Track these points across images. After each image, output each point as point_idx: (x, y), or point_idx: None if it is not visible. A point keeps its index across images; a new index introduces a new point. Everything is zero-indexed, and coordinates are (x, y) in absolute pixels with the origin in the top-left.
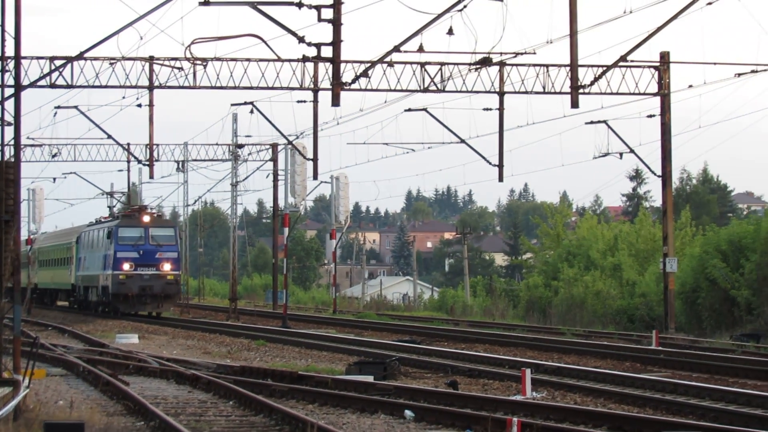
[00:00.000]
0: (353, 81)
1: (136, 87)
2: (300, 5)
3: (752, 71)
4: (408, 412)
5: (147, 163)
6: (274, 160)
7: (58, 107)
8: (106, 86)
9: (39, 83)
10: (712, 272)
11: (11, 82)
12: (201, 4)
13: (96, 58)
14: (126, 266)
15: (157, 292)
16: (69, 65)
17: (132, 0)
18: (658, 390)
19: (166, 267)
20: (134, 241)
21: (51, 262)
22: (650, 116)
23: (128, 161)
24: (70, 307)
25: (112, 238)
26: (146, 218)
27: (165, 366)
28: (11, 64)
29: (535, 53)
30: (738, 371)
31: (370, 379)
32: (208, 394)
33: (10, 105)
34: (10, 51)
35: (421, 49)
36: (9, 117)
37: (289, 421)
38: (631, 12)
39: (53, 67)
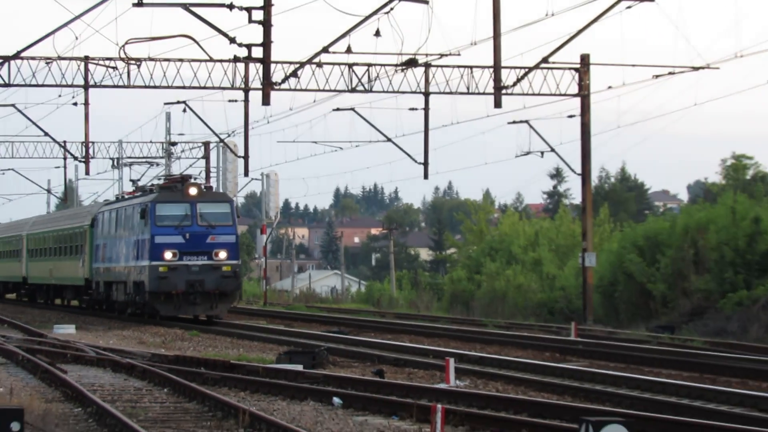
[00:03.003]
0: (283, 81)
1: (72, 86)
2: (231, 7)
3: (669, 73)
4: (336, 400)
5: (83, 160)
6: (206, 157)
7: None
8: (42, 85)
9: None
10: (629, 267)
11: None
12: (135, 5)
13: (33, 58)
14: (168, 255)
15: (209, 288)
16: (5, 64)
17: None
18: (576, 379)
19: (222, 255)
20: (178, 222)
21: (50, 252)
22: (571, 116)
23: (65, 158)
24: (79, 308)
25: (147, 217)
26: (193, 191)
27: (102, 355)
28: None
29: (459, 55)
30: (653, 361)
31: (299, 367)
32: (144, 382)
33: None
34: None
35: (349, 51)
36: None
37: (222, 408)
38: (552, 15)
39: None
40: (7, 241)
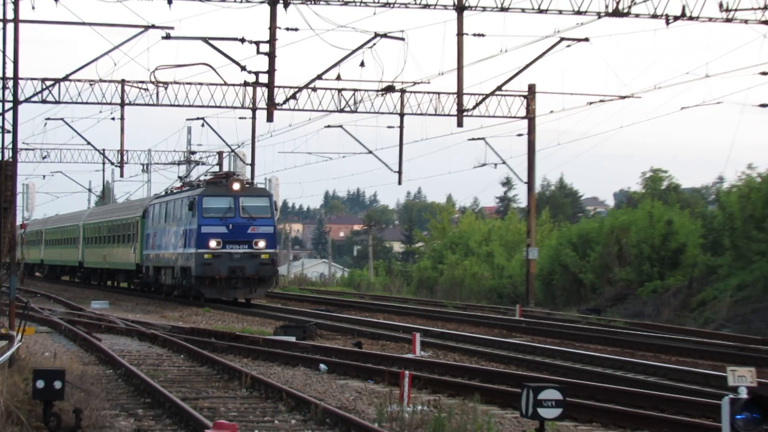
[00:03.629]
0: (284, 102)
1: (110, 104)
2: (243, 41)
3: (600, 101)
4: (322, 366)
5: (118, 165)
6: (219, 164)
7: (48, 119)
8: (86, 103)
9: (33, 99)
10: (564, 259)
11: (10, 98)
12: (163, 38)
13: (79, 80)
14: (213, 243)
15: (249, 274)
16: (57, 85)
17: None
18: (519, 351)
19: (261, 244)
20: (222, 213)
21: (105, 240)
22: (519, 135)
23: (103, 163)
24: (131, 290)
25: (194, 209)
26: (236, 186)
27: (130, 326)
28: (10, 84)
29: (429, 83)
30: (583, 338)
31: (292, 339)
32: (164, 349)
33: (9, 117)
34: (9, 73)
35: (338, 78)
36: (8, 126)
37: (228, 371)
38: (506, 51)
39: (44, 87)
40: (65, 230)
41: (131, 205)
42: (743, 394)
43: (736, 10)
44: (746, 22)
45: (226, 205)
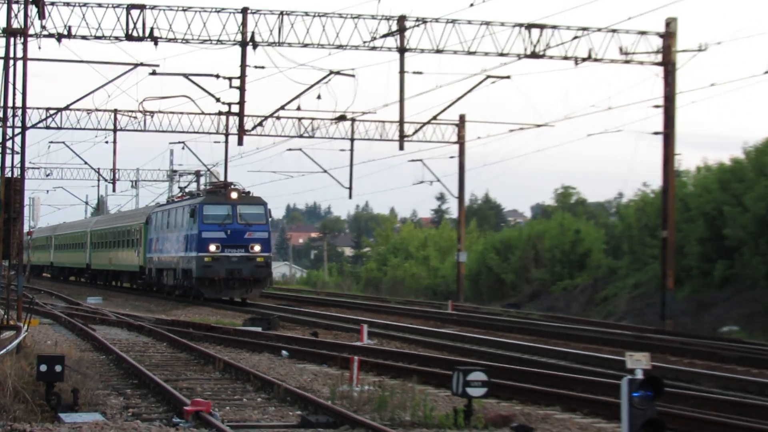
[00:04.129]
0: (252, 129)
1: (105, 129)
2: (218, 76)
3: (520, 128)
4: (284, 352)
5: (111, 181)
6: (197, 182)
7: (51, 142)
8: (84, 128)
9: (38, 125)
10: (489, 262)
11: (19, 125)
12: (150, 74)
13: (78, 109)
14: (212, 247)
15: (246, 275)
16: (59, 113)
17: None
18: (451, 340)
19: (256, 248)
20: (221, 220)
21: (110, 244)
22: (451, 157)
23: (98, 180)
24: (132, 289)
25: (195, 216)
26: (234, 195)
27: (120, 318)
28: (19, 112)
29: (375, 113)
30: (505, 328)
31: (259, 329)
32: (149, 338)
33: (18, 141)
34: (18, 103)
35: (298, 108)
36: (17, 148)
37: (204, 357)
38: (440, 86)
39: (48, 115)
40: (74, 235)
41: (135, 213)
42: (639, 375)
43: (633, 53)
44: (642, 63)
45: (224, 212)
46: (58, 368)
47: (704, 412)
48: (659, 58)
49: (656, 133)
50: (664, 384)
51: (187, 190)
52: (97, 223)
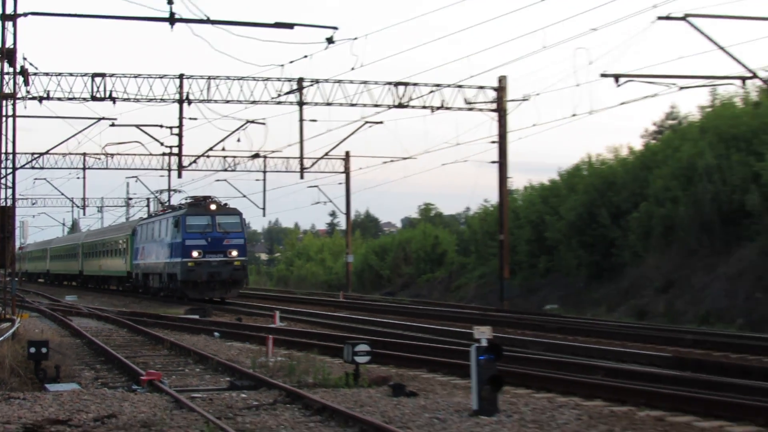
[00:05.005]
0: (189, 165)
1: (76, 168)
2: (162, 126)
3: (391, 160)
4: (216, 333)
5: (82, 207)
6: (148, 207)
7: (36, 178)
8: (61, 168)
9: (26, 166)
10: (370, 261)
11: (11, 166)
12: (110, 125)
13: (56, 153)
14: (195, 253)
15: (225, 278)
16: (41, 156)
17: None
18: (343, 321)
19: (234, 253)
20: (202, 229)
21: (100, 254)
22: (340, 183)
23: (72, 207)
24: (120, 291)
25: (179, 226)
26: (213, 206)
27: (91, 311)
28: (11, 157)
29: (282, 151)
30: (383, 311)
31: (196, 317)
32: (114, 326)
33: (10, 179)
34: (10, 149)
35: (223, 149)
36: (9, 184)
37: (155, 339)
38: (330, 130)
39: (33, 158)
40: (67, 247)
41: (122, 227)
42: (484, 343)
43: (475, 103)
44: (481, 110)
45: (205, 222)
46: (44, 350)
47: (533, 369)
48: (494, 106)
49: (493, 162)
50: (503, 349)
51: (167, 204)
52: (87, 237)
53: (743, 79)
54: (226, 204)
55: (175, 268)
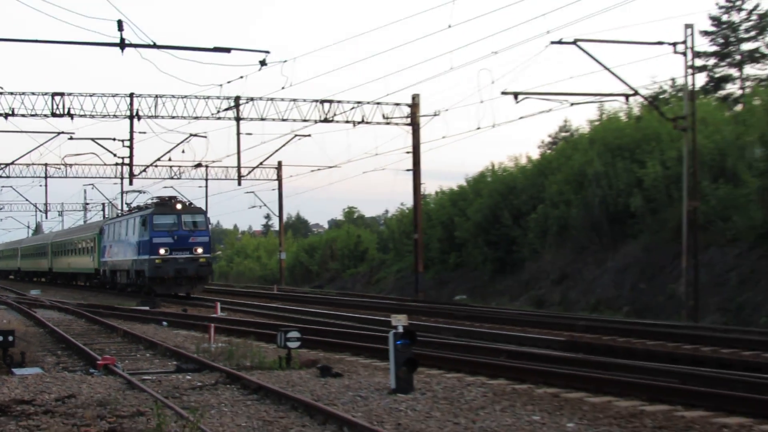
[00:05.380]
0: (139, 174)
1: (39, 177)
2: (114, 139)
3: (318, 169)
4: (164, 323)
5: (44, 212)
6: (103, 211)
7: (3, 186)
8: (25, 176)
9: None
10: (301, 258)
11: None
12: (69, 139)
13: (21, 164)
14: (162, 251)
15: (191, 274)
16: (8, 167)
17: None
18: (277, 311)
19: (199, 250)
20: (168, 228)
21: (69, 252)
22: (273, 189)
23: (35, 211)
24: (82, 286)
25: (147, 225)
26: (179, 206)
27: (53, 303)
28: None
29: (222, 161)
30: (312, 302)
31: (147, 308)
32: (73, 316)
33: None
34: None
35: (170, 159)
36: None
37: (110, 327)
38: (264, 142)
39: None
40: (36, 247)
41: (89, 227)
42: (401, 329)
43: (392, 118)
44: (398, 124)
45: (171, 221)
46: (10, 338)
47: (444, 353)
48: (409, 120)
49: (408, 170)
50: (417, 335)
51: (134, 205)
52: (56, 237)
53: (626, 96)
54: (191, 203)
55: (143, 265)
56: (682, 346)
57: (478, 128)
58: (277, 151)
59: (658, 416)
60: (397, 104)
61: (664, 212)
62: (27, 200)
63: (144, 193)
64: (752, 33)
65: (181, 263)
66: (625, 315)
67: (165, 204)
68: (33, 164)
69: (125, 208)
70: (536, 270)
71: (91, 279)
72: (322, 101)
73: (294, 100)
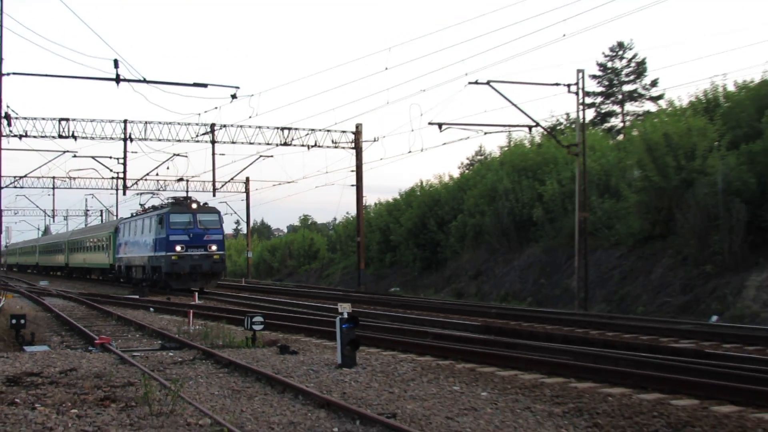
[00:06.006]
0: (131, 186)
1: (47, 188)
2: (111, 157)
3: (279, 184)
4: (151, 309)
5: (52, 217)
6: (101, 217)
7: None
8: (35, 188)
9: (10, 186)
10: (264, 257)
11: None
12: (72, 156)
13: (33, 177)
14: (178, 248)
15: (205, 270)
16: (22, 179)
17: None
18: (245, 299)
19: (213, 248)
20: (184, 226)
21: (84, 249)
22: (242, 200)
23: (44, 216)
24: (99, 280)
25: (163, 223)
26: (194, 205)
27: (59, 292)
28: None
29: (200, 176)
30: (274, 292)
31: (137, 296)
32: (76, 303)
33: None
34: None
35: (157, 174)
36: None
37: (106, 313)
38: (235, 161)
39: (15, 180)
40: (54, 244)
41: (104, 226)
42: (346, 315)
43: (339, 143)
44: (344, 148)
45: (187, 219)
46: (22, 321)
47: (381, 334)
48: (353, 145)
49: (352, 185)
50: (359, 319)
51: (147, 205)
52: (71, 235)
53: (530, 127)
54: (205, 203)
55: (160, 261)
56: (574, 330)
57: (410, 152)
58: (245, 168)
59: (555, 387)
60: (344, 132)
61: (560, 221)
62: (37, 207)
63: (156, 195)
64: (631, 77)
65: (196, 259)
66: (528, 304)
67: (181, 203)
68: (42, 177)
69: (138, 209)
70: (456, 267)
71: (106, 273)
72: (282, 128)
73: (259, 127)
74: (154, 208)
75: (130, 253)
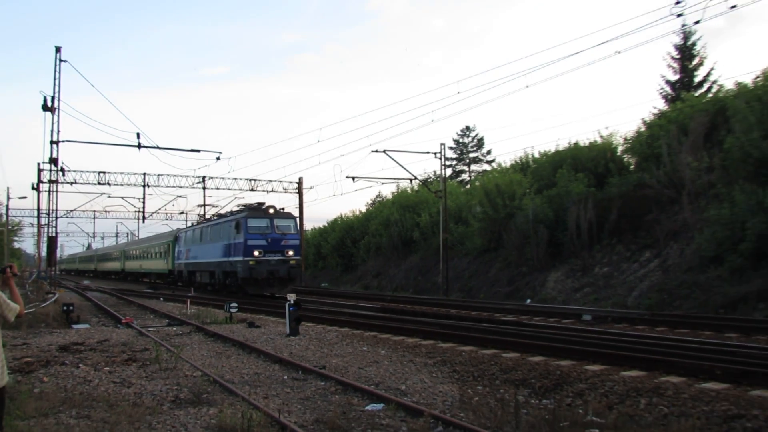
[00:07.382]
0: (150, 215)
1: (89, 218)
2: (134, 197)
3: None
4: (162, 298)
5: (92, 237)
6: (128, 237)
7: (69, 222)
8: (80, 218)
9: (61, 217)
10: None
11: (54, 217)
12: (108, 197)
13: (78, 210)
14: (256, 253)
15: (282, 275)
16: (71, 212)
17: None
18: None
19: (290, 253)
20: (262, 231)
21: (140, 257)
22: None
23: (87, 237)
24: (161, 284)
25: (240, 228)
26: (271, 210)
27: (97, 289)
28: (54, 212)
29: (194, 210)
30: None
31: (151, 291)
32: (109, 295)
33: (53, 224)
34: (53, 207)
35: (166, 209)
36: (52, 229)
37: (129, 302)
38: (218, 200)
39: (67, 212)
40: (111, 253)
41: (161, 236)
42: (292, 301)
43: (288, 189)
44: (291, 192)
45: (264, 224)
46: (71, 308)
47: (315, 314)
48: (297, 191)
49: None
50: (301, 303)
51: (220, 212)
52: (126, 246)
53: (411, 179)
54: (282, 209)
55: (236, 266)
56: (441, 309)
57: (333, 195)
58: (225, 206)
59: (429, 346)
60: (291, 182)
61: (430, 240)
62: (82, 230)
63: (215, 206)
64: (474, 148)
65: (273, 265)
66: (410, 293)
67: (258, 208)
68: (86, 210)
69: (194, 221)
70: (364, 270)
71: (164, 278)
72: (250, 179)
73: (235, 178)
74: (219, 216)
75: (193, 259)
